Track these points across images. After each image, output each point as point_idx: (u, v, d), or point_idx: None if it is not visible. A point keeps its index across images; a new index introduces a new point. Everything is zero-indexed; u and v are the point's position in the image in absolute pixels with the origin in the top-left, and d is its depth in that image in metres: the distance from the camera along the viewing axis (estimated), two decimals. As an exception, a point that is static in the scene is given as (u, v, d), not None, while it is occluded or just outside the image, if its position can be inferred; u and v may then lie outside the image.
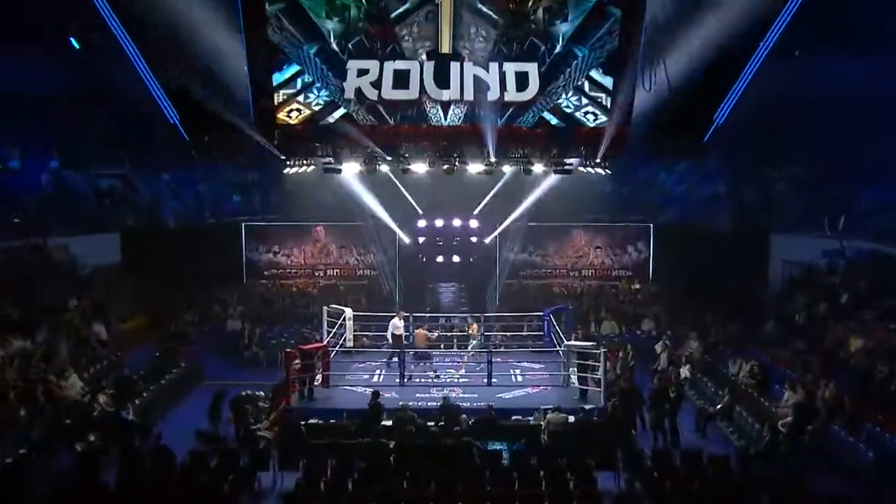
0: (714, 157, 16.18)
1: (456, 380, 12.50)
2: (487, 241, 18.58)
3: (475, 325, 13.40)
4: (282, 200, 18.04)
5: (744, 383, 12.02)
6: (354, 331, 14.46)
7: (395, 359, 12.56)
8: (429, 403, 11.17)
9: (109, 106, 13.80)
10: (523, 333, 15.69)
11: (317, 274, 19.13)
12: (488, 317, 15.10)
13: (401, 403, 10.63)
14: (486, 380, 12.02)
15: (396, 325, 13.15)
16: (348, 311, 14.18)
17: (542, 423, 10.42)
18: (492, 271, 18.45)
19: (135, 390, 11.39)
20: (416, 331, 13.37)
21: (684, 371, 13.20)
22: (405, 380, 11.97)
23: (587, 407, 10.77)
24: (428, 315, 14.11)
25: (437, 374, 12.75)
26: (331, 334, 13.64)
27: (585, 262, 19.25)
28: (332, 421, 10.51)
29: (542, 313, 14.64)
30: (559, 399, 11.27)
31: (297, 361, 11.72)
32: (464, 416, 10.42)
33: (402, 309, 14.18)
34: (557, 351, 13.05)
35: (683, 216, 18.21)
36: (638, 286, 18.61)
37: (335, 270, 19.21)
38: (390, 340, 12.96)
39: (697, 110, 12.87)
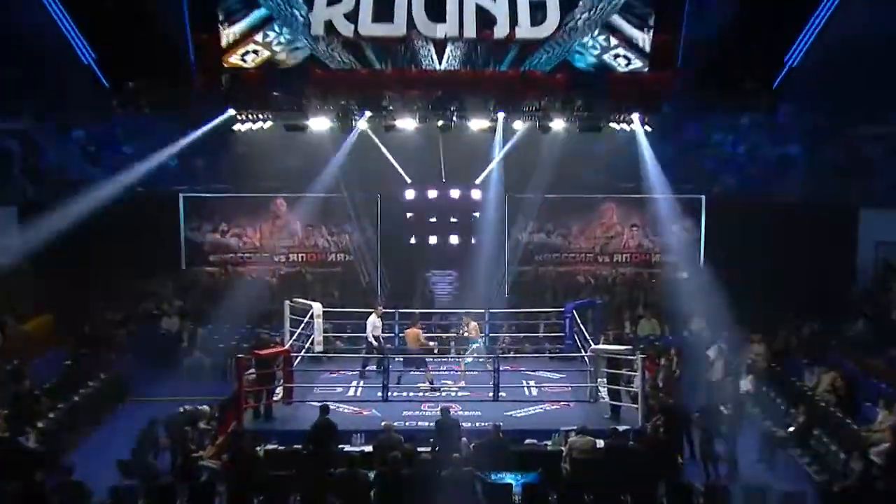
0: (786, 109, 16.05)
1: (454, 393, 12.60)
2: (493, 217, 18.66)
3: (474, 325, 13.35)
4: (231, 166, 17.87)
5: (823, 399, 11.96)
6: (325, 331, 14.56)
7: (374, 367, 12.69)
8: (419, 423, 11.24)
9: (3, 43, 13.49)
10: (539, 335, 15.81)
11: (277, 259, 19.19)
12: (495, 313, 15.16)
13: (383, 423, 10.62)
14: (491, 393, 12.02)
15: (374, 323, 13.26)
16: (317, 307, 14.18)
17: (562, 448, 10.48)
18: (499, 256, 18.63)
19: (37, 410, 11.30)
20: (408, 330, 13.35)
21: (745, 383, 13.18)
22: (388, 393, 11.95)
23: (620, 428, 10.76)
24: (418, 312, 14.08)
25: (434, 385, 12.82)
26: (294, 336, 13.66)
27: (619, 244, 19.35)
28: (296, 446, 10.49)
29: (562, 309, 14.68)
30: (584, 418, 11.41)
31: (252, 371, 11.90)
32: (464, 439, 10.40)
33: (383, 304, 14.24)
34: (582, 357, 13.20)
35: (745, 185, 18.14)
36: (686, 275, 18.57)
37: (300, 255, 19.26)
38: (374, 343, 13.08)
39: (764, 49, 12.82)
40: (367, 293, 18.47)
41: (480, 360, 13.10)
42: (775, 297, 15.85)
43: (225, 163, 17.59)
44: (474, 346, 13.24)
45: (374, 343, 13.34)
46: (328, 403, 10.84)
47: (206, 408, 11.46)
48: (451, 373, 13.37)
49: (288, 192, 18.77)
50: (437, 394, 12.53)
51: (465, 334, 13.56)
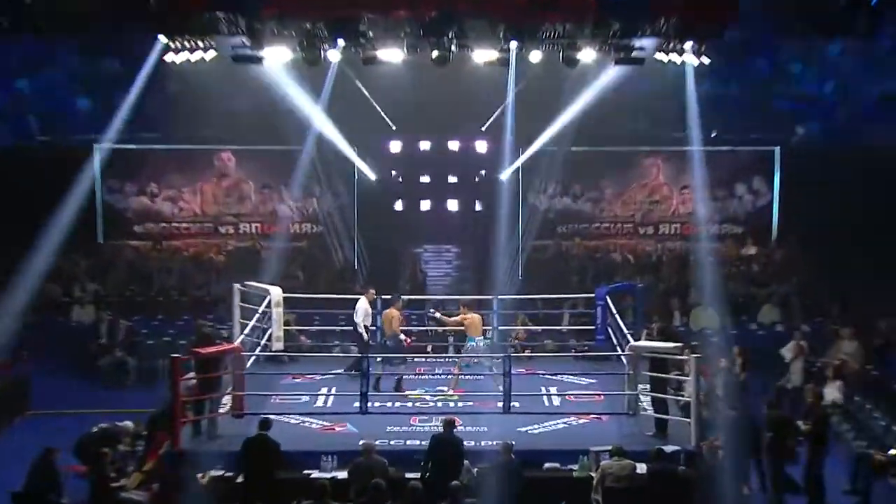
0: (889, 33, 15.85)
1: (452, 403, 12.71)
2: (504, 176, 18.66)
3: (474, 317, 13.41)
4: (163, 108, 17.67)
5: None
6: (286, 324, 14.64)
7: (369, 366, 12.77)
8: (408, 442, 11.41)
9: None
10: (562, 328, 15.98)
11: (224, 231, 19.29)
12: (505, 300, 15.26)
13: (362, 443, 10.70)
14: (500, 403, 12.12)
15: (366, 310, 13.41)
16: (275, 292, 14.30)
17: (592, 474, 10.55)
18: (511, 228, 18.74)
19: None
20: (386, 311, 13.47)
21: (832, 391, 13.21)
22: (367, 403, 12.03)
23: (667, 449, 10.77)
24: (406, 299, 14.19)
25: (426, 393, 12.98)
26: (247, 330, 13.78)
27: (665, 210, 19.46)
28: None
29: (592, 295, 14.79)
30: (621, 435, 11.46)
31: (191, 375, 11.92)
32: (466, 462, 10.47)
33: (370, 285, 14.45)
34: (618, 357, 13.44)
35: (832, 133, 18.10)
36: (753, 250, 18.80)
37: (254, 225, 19.36)
38: (364, 335, 13.26)
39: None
40: (341, 275, 18.67)
41: (479, 361, 13.19)
42: (872, 278, 15.78)
43: (154, 104, 17.28)
44: (470, 344, 13.29)
45: (365, 335, 13.45)
46: (269, 417, 10.91)
47: (128, 424, 11.54)
48: (446, 376, 13.53)
49: (237, 144, 18.88)
50: (433, 404, 12.65)
51: (438, 316, 13.70)
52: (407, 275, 18.63)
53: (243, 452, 10.38)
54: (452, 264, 20.06)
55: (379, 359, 13.16)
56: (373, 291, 13.80)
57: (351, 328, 13.75)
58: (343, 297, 14.99)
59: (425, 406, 12.61)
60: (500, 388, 12.29)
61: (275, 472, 10.33)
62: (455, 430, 10.67)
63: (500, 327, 14.96)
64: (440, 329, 14.95)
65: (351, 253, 19.14)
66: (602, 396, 12.77)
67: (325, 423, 12.00)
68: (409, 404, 12.68)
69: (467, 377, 13.28)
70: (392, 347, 13.33)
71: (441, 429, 10.72)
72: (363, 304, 13.56)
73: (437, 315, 13.82)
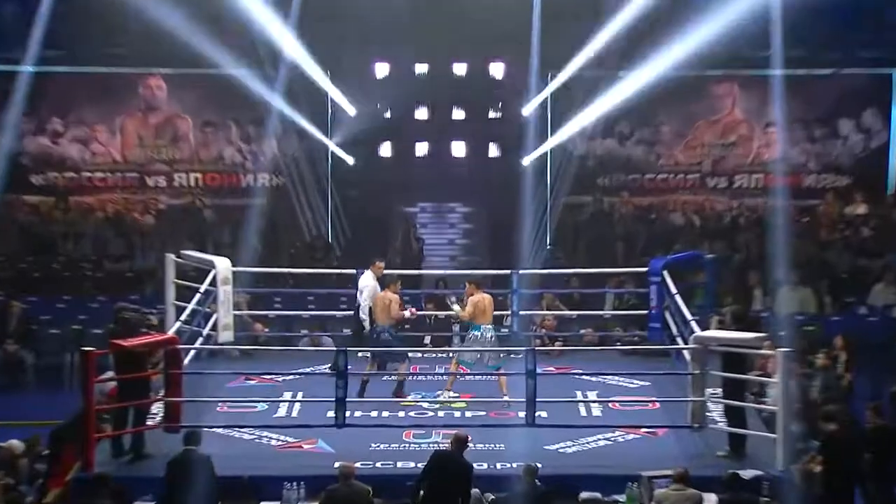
0: None
1: (459, 412, 12.87)
2: (528, 111, 18.75)
3: (481, 297, 13.27)
4: (70, 20, 17.68)
5: None
6: (237, 308, 14.79)
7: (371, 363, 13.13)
8: (399, 464, 11.43)
9: None
10: (605, 313, 16.13)
11: (153, 183, 19.53)
12: (528, 276, 15.35)
13: (338, 465, 10.63)
14: (523, 413, 12.08)
15: (374, 288, 13.55)
16: (223, 266, 14.35)
17: (644, 506, 10.70)
18: (537, 179, 18.86)
19: None
20: (379, 293, 13.36)
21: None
22: (345, 414, 12.00)
23: (746, 474, 10.74)
24: (397, 274, 14.20)
25: (424, 399, 13.05)
26: (185, 315, 13.84)
27: (743, 156, 19.62)
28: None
29: (645, 270, 14.86)
30: (682, 456, 11.48)
31: (110, 374, 11.93)
32: (475, 491, 10.45)
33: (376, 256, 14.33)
34: (679, 352, 13.58)
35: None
36: (863, 209, 18.88)
37: (193, 175, 19.61)
38: (366, 325, 13.49)
39: None
40: (311, 243, 18.82)
41: (486, 358, 13.14)
42: None
43: (58, 15, 17.13)
44: (474, 333, 13.23)
45: (367, 324, 13.53)
46: (197, 430, 10.79)
47: (14, 442, 11.43)
48: (441, 377, 13.59)
49: (170, 67, 18.96)
50: (432, 413, 12.71)
51: (456, 310, 13.57)
52: (397, 243, 18.69)
53: (165, 479, 10.38)
54: (458, 229, 20.16)
55: (369, 356, 13.23)
56: (381, 264, 13.84)
57: (352, 315, 13.81)
58: (313, 271, 14.86)
59: (422, 416, 12.63)
60: (505, 395, 12.48)
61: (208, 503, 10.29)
62: (466, 446, 10.61)
63: (522, 312, 14.98)
64: (442, 315, 14.97)
65: (323, 213, 19.29)
66: (657, 404, 12.83)
67: (288, 440, 12.00)
68: (401, 414, 12.67)
69: (472, 377, 13.33)
70: (387, 341, 13.22)
71: (446, 446, 10.73)
72: (368, 281, 13.64)
73: (457, 308, 13.62)
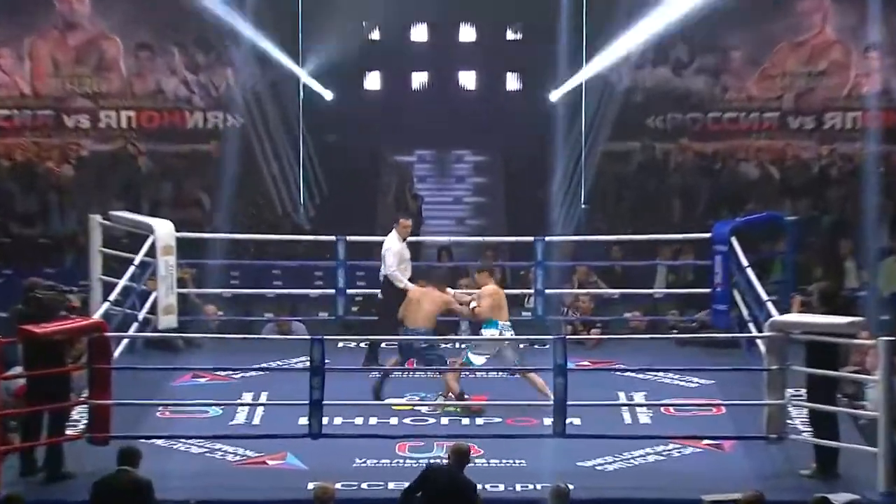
0: None
1: (468, 419, 13.01)
2: (557, 30, 18.67)
3: (490, 289, 13.48)
4: None
5: None
6: (183, 284, 14.93)
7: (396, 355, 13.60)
8: (391, 485, 11.38)
9: None
10: (655, 291, 16.36)
11: (72, 124, 19.62)
12: (556, 244, 15.48)
13: (313, 486, 10.63)
14: (550, 420, 12.17)
15: (399, 254, 14.04)
16: (164, 231, 14.45)
17: (707, 541, 10.67)
18: (570, 118, 18.85)
19: None
20: (415, 290, 13.58)
21: None
22: (321, 421, 12.09)
23: (839, 499, 10.71)
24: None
25: (423, 402, 13.25)
26: (114, 293, 13.91)
27: (836, 89, 19.69)
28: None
29: (708, 235, 14.95)
30: (756, 474, 11.58)
31: (18, 370, 11.90)
32: (486, 519, 10.61)
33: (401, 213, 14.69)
34: (752, 342, 13.67)
35: None
36: None
37: (125, 114, 19.72)
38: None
39: None
40: (275, 206, 19.10)
41: (511, 356, 13.35)
42: None
43: None
44: (491, 331, 13.43)
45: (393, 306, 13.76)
46: (134, 445, 10.41)
47: None
48: (463, 376, 13.61)
49: None
50: (433, 421, 12.82)
51: (473, 306, 13.67)
52: (388, 200, 18.87)
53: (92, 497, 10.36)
54: (467, 184, 20.16)
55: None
56: (407, 222, 14.11)
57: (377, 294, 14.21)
58: (280, 238, 14.92)
59: (421, 424, 12.78)
60: (547, 394, 12.38)
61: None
62: (468, 464, 10.63)
63: (549, 291, 15.12)
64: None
65: (293, 163, 19.41)
66: (723, 408, 12.96)
67: (249, 454, 12.11)
68: (394, 421, 12.83)
69: (485, 374, 13.52)
70: (424, 350, 13.42)
71: (444, 460, 10.78)
72: (393, 244, 13.94)
73: (473, 304, 13.72)
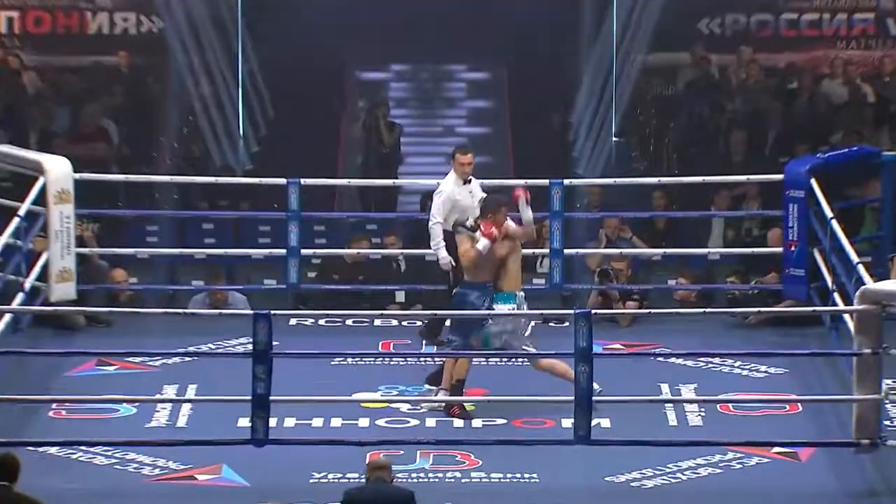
0: None
1: (462, 421, 13.12)
2: None
3: (510, 228, 13.37)
4: None
5: None
6: (85, 242, 15.07)
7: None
8: None
9: None
10: (710, 251, 16.41)
11: None
12: (579, 188, 15.87)
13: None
14: (570, 421, 12.10)
15: (452, 199, 14.11)
16: (57, 170, 14.46)
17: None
18: (595, 23, 18.93)
19: None
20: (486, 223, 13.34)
21: None
22: (267, 424, 12.11)
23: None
24: (357, 186, 14.26)
25: (402, 398, 13.35)
26: None
27: None
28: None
29: (779, 178, 15.02)
30: (843, 490, 11.76)
31: None
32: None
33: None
34: (838, 316, 13.66)
35: None
36: None
37: (4, 14, 19.75)
38: (443, 261, 14.10)
39: None
40: (215, 142, 19.11)
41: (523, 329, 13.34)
42: None
43: None
44: (507, 306, 13.34)
45: (443, 259, 13.96)
46: (11, 453, 10.59)
47: None
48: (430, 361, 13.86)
49: None
50: (415, 422, 12.85)
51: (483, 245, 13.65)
52: (356, 131, 19.02)
53: None
54: (461, 109, 20.24)
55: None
56: (466, 156, 14.11)
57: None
58: (211, 181, 14.89)
59: (398, 427, 12.88)
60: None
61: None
62: (393, 479, 10.60)
63: (568, 250, 15.23)
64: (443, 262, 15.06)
65: (230, 82, 19.56)
66: (798, 406, 13.04)
67: (171, 465, 12.16)
68: (363, 422, 12.95)
69: (486, 361, 13.52)
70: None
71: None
72: (445, 187, 14.08)
73: (469, 224, 13.69)
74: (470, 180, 14.08)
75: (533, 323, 13.66)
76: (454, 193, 13.95)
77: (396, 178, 17.73)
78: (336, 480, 11.82)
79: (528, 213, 13.18)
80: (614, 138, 18.76)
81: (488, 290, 13.14)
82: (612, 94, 19.03)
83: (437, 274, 14.11)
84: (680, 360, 13.96)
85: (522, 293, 13.42)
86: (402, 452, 12.07)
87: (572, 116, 17.76)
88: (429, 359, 14.22)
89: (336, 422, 12.88)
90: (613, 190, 16.68)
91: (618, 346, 14.18)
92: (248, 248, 16.12)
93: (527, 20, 19.25)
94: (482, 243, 12.90)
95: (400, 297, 15.64)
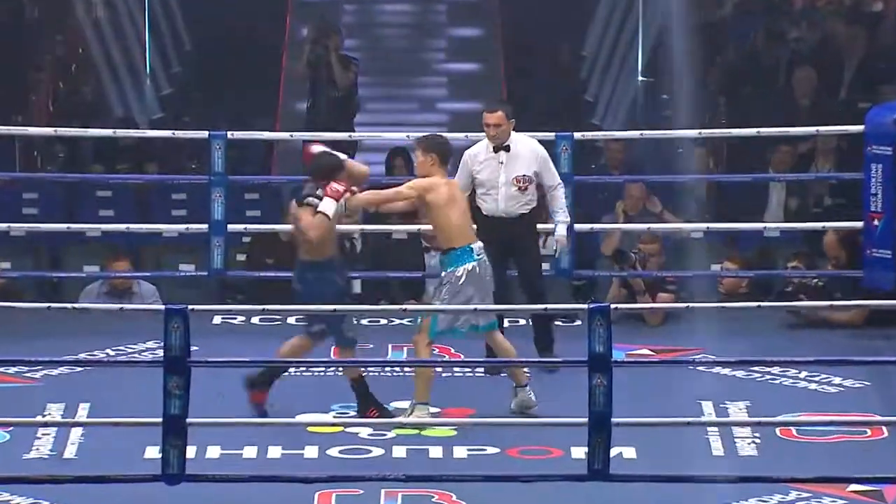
0: None
1: (440, 446, 13.25)
2: None
3: (433, 182, 13.54)
4: None
5: None
6: None
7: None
8: None
9: None
10: (766, 226, 16.62)
11: None
12: (590, 140, 15.93)
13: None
14: (583, 450, 12.16)
15: (466, 167, 14.54)
16: None
17: None
18: None
19: None
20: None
21: None
22: (182, 456, 12.19)
23: None
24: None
25: (357, 420, 13.45)
26: None
27: None
28: None
29: (859, 128, 15.12)
30: None
31: None
32: None
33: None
34: None
35: None
36: None
37: None
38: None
39: None
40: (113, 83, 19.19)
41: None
42: None
43: None
44: (449, 270, 13.51)
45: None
46: None
47: None
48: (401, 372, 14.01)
49: None
50: (381, 452, 13.01)
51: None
52: (300, 68, 19.15)
53: None
54: (441, 38, 20.55)
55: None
56: (489, 115, 14.31)
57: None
58: (111, 134, 15.06)
59: (359, 457, 12.99)
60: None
61: None
62: None
63: (580, 226, 15.47)
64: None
65: (132, 4, 19.78)
66: (883, 430, 13.13)
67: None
68: (311, 452, 13.02)
69: (470, 372, 13.70)
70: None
71: None
72: (472, 149, 14.38)
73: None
74: (508, 147, 14.29)
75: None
76: (473, 160, 14.27)
77: (352, 130, 17.77)
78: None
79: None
80: (640, 77, 18.81)
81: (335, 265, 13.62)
82: (639, 19, 19.07)
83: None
84: (727, 370, 14.11)
85: (479, 243, 13.68)
86: (361, 492, 12.17)
87: (585, 47, 17.77)
88: (398, 368, 14.29)
89: (275, 451, 12.94)
90: (638, 146, 16.79)
91: (645, 351, 14.30)
92: (157, 223, 16.19)
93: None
94: (326, 205, 13.24)
95: (356, 286, 15.66)
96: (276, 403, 13.48)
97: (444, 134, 16.39)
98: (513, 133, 14.36)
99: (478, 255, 13.52)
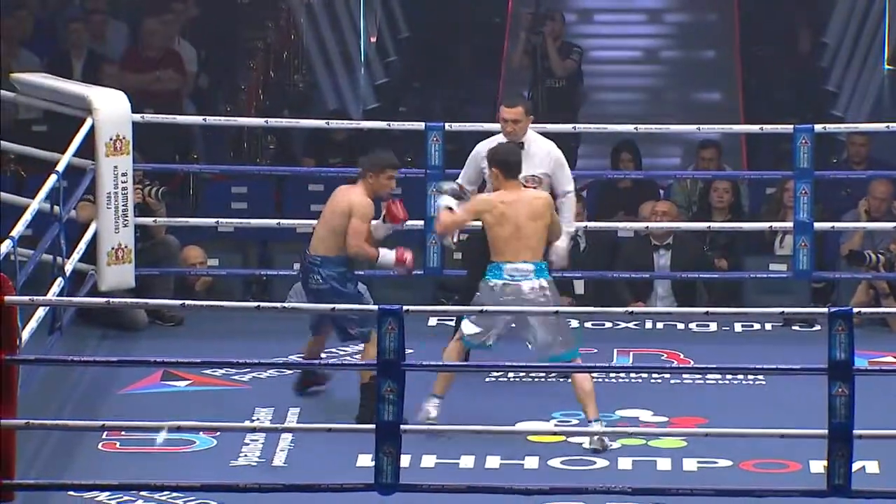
0: None
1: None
2: None
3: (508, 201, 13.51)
4: None
5: None
6: (149, 210, 15.38)
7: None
8: None
9: None
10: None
11: None
12: (832, 133, 16.08)
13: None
14: (822, 465, 12.03)
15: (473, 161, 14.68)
16: (109, 110, 14.56)
17: None
18: None
19: None
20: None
21: None
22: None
23: None
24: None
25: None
26: (20, 226, 13.88)
27: None
28: None
29: None
30: None
31: None
32: None
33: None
34: None
35: None
36: None
37: None
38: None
39: None
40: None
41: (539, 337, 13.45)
42: None
43: None
44: (494, 282, 13.41)
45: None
46: None
47: None
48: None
49: None
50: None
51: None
52: (518, 54, 19.13)
53: None
54: (665, 25, 20.46)
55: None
56: (507, 111, 14.36)
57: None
58: (328, 125, 15.12)
59: (578, 465, 12.97)
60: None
61: None
62: None
63: (820, 225, 15.38)
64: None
65: None
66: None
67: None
68: (531, 463, 12.98)
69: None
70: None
71: None
72: (485, 145, 14.41)
73: (447, 189, 13.84)
74: (522, 145, 14.33)
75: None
76: (483, 156, 14.25)
77: (575, 121, 17.73)
78: None
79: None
80: (887, 66, 18.65)
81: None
82: (885, 3, 18.89)
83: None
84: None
85: (513, 264, 13.67)
86: (583, 505, 12.26)
87: (826, 34, 17.62)
88: (622, 374, 14.21)
89: (493, 461, 12.98)
90: (885, 139, 16.57)
91: (890, 358, 14.15)
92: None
93: None
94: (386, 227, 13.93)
95: (578, 287, 15.64)
96: (493, 409, 13.46)
97: (658, 127, 16.38)
98: (529, 131, 14.54)
99: (510, 275, 13.58)
